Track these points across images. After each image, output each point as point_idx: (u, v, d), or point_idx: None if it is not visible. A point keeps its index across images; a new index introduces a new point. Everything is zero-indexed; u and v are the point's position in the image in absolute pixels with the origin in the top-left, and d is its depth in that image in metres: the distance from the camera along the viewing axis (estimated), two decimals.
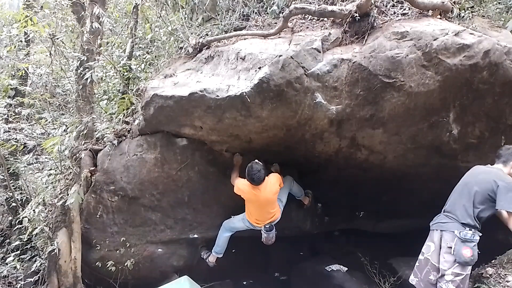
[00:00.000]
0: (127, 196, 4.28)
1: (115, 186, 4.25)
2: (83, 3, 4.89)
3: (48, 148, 4.48)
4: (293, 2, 3.87)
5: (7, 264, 5.12)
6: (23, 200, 5.60)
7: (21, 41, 5.86)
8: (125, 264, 4.41)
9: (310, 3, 3.77)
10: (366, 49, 3.35)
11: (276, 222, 4.20)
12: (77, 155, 4.49)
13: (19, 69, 5.81)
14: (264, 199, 3.93)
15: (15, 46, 5.73)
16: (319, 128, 3.68)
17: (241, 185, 3.94)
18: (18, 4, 4.02)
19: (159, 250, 4.59)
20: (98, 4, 4.48)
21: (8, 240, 5.87)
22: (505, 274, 3.42)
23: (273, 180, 3.95)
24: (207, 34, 4.23)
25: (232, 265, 5.06)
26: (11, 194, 5.51)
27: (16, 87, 5.94)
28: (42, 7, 5.26)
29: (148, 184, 4.25)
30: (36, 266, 4.85)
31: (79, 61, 4.70)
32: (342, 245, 5.79)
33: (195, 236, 4.58)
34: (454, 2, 3.72)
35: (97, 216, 4.34)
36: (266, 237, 4.16)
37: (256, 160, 3.88)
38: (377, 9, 3.59)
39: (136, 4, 4.89)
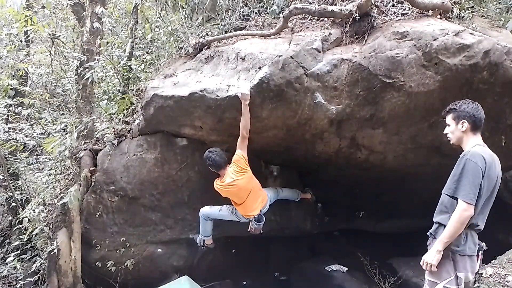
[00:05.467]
0: (127, 196, 4.28)
1: (115, 186, 4.25)
2: (83, 3, 4.89)
3: (48, 148, 4.48)
4: (293, 2, 3.87)
5: (7, 264, 5.12)
6: (23, 200, 5.59)
7: (21, 41, 5.86)
8: (125, 264, 4.41)
9: (310, 3, 3.77)
10: (366, 49, 3.35)
11: (265, 210, 3.98)
12: (77, 155, 4.49)
13: (19, 69, 5.80)
14: (236, 189, 3.66)
15: (15, 46, 5.73)
16: (319, 128, 3.68)
17: (214, 184, 3.76)
18: (21, 2, 4.01)
19: (159, 250, 4.59)
20: (99, 4, 4.48)
21: (8, 240, 5.87)
22: (505, 274, 3.41)
23: (234, 167, 3.62)
24: (207, 34, 4.23)
25: (232, 265, 5.06)
26: (11, 194, 5.51)
27: (16, 87, 5.93)
28: (43, 6, 5.26)
29: (148, 184, 4.25)
30: (36, 266, 4.84)
31: (79, 61, 4.70)
32: (342, 245, 5.78)
33: (195, 236, 4.58)
34: (454, 2, 3.72)
35: (97, 216, 4.34)
36: (256, 228, 3.96)
37: (215, 148, 3.72)
38: (377, 9, 3.59)
39: (136, 4, 4.89)
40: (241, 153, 3.59)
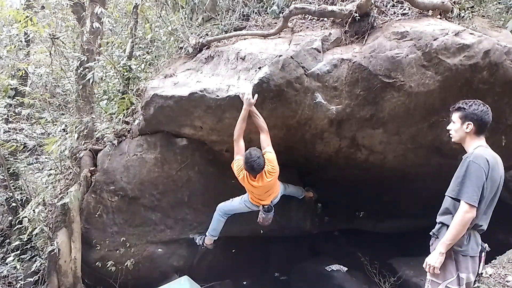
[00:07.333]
0: (127, 196, 4.28)
1: (115, 186, 4.25)
2: (83, 3, 4.89)
3: (48, 148, 4.48)
4: (293, 2, 3.87)
5: (7, 264, 5.12)
6: (23, 200, 5.60)
7: (21, 41, 5.87)
8: (125, 264, 4.41)
9: (310, 3, 3.77)
10: (366, 49, 3.35)
11: (276, 200, 3.96)
12: (77, 155, 4.49)
13: (19, 69, 5.81)
14: (264, 187, 3.63)
15: (15, 46, 5.74)
16: (319, 128, 3.68)
17: (238, 172, 3.57)
18: (20, 2, 4.03)
19: (159, 250, 4.59)
20: (99, 4, 4.48)
21: (8, 240, 5.88)
22: (505, 274, 3.42)
23: (269, 167, 3.51)
24: (207, 34, 4.22)
25: (232, 265, 5.06)
26: (11, 194, 5.51)
27: (16, 87, 5.94)
28: (43, 6, 5.27)
29: (148, 184, 4.25)
30: (36, 266, 4.85)
31: (79, 61, 4.70)
32: (342, 245, 5.79)
33: (195, 235, 4.58)
34: (454, 2, 3.72)
35: (97, 216, 4.34)
36: (264, 217, 3.90)
37: (255, 147, 3.53)
38: (377, 9, 3.60)
39: (136, 4, 4.89)
40: (272, 150, 3.48)
